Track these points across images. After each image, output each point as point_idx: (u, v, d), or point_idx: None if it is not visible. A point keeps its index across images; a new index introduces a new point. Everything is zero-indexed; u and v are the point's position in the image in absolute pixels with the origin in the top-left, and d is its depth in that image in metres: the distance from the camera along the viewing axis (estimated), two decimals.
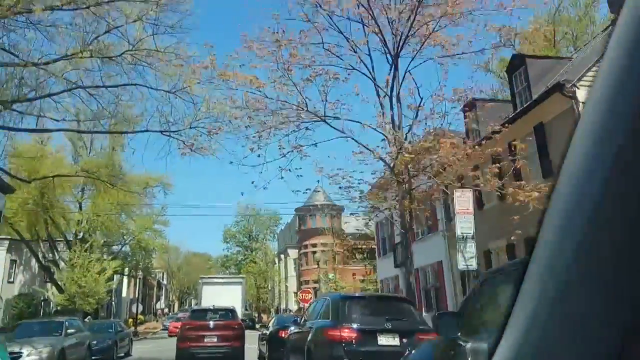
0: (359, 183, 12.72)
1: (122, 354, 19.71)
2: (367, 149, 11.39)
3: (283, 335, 12.22)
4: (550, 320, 0.68)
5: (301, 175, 11.73)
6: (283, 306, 57.19)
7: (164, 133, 14.15)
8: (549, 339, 0.68)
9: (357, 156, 11.40)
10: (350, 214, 15.84)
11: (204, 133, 13.70)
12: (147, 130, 14.66)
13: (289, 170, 11.95)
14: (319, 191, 53.22)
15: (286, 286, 54.32)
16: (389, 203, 12.67)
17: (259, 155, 12.00)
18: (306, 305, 28.01)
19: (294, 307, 55.97)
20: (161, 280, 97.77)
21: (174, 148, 14.37)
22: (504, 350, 0.80)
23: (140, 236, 35.93)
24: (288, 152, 11.71)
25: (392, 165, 11.30)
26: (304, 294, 27.45)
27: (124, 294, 55.44)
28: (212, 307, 16.02)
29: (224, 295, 26.18)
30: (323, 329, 7.56)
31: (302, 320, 9.86)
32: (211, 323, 14.22)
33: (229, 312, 15.31)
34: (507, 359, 0.78)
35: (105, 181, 21.66)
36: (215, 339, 13.68)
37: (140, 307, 49.64)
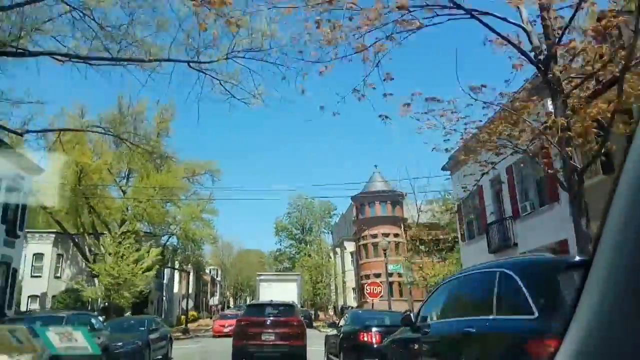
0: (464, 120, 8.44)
1: (159, 357, 16.32)
2: (508, 41, 7.00)
3: (368, 339, 9.35)
4: (615, 315, 0.72)
5: (390, 94, 7.25)
6: (341, 302, 53.22)
7: (191, 65, 10.46)
8: (613, 332, 0.72)
9: (496, 45, 7.03)
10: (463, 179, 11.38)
11: (245, 65, 9.81)
12: (169, 60, 10.99)
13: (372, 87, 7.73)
14: (376, 180, 49.11)
15: (344, 281, 50.27)
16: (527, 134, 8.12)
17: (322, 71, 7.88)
18: (374, 299, 23.88)
19: (353, 303, 51.86)
20: (215, 277, 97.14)
21: (207, 89, 10.63)
22: (571, 340, 0.84)
23: (187, 226, 33.00)
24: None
25: (543, 64, 6.84)
26: (372, 287, 23.28)
27: (175, 290, 53.33)
28: (269, 302, 14.83)
29: (280, 291, 25.71)
30: None
31: (417, 317, 5.68)
32: (269, 319, 13.14)
33: (288, 308, 14.11)
34: (574, 351, 0.82)
35: (126, 140, 18.42)
36: (273, 337, 12.63)
37: (191, 303, 47.35)
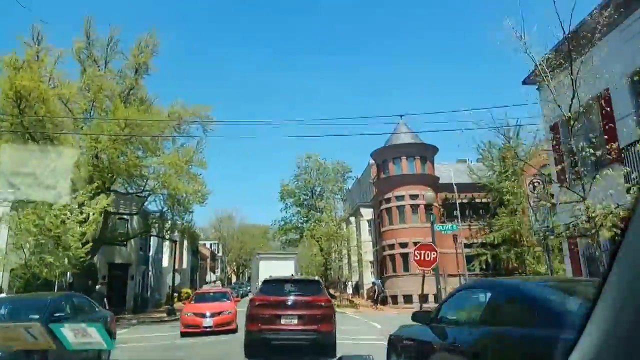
0: None
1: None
2: None
3: None
4: (629, 327, 0.74)
5: None
6: (355, 278, 46.06)
7: None
8: (630, 339, 0.74)
9: None
10: None
11: None
12: None
13: None
14: (402, 131, 41.17)
15: (359, 253, 42.92)
16: None
17: None
18: (427, 269, 16.51)
19: (370, 279, 44.70)
20: (216, 252, 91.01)
21: None
22: (585, 343, 0.87)
23: (168, 179, 25.51)
24: None
25: None
26: (424, 252, 15.79)
27: (165, 264, 46.26)
28: (290, 277, 13.60)
29: (278, 270, 24.32)
30: None
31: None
32: (290, 298, 10.77)
33: (314, 284, 11.64)
34: (588, 354, 0.84)
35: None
36: (295, 320, 10.33)
37: (178, 278, 40.35)
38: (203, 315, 15.56)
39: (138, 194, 28.75)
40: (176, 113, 30.77)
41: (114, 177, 25.44)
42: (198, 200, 28.21)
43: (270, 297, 10.90)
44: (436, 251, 16.21)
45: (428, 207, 19.85)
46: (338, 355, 9.52)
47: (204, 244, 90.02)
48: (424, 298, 33.58)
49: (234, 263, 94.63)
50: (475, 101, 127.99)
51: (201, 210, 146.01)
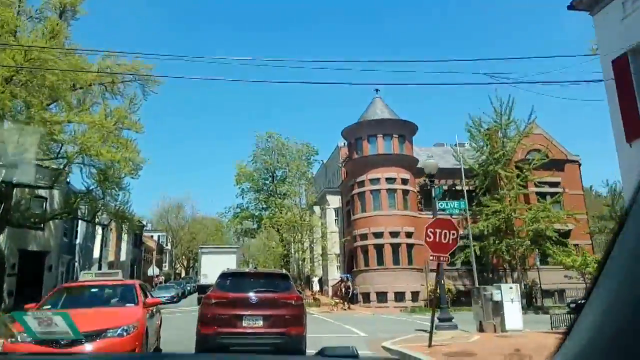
0: None
1: None
2: None
3: None
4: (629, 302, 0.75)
5: None
6: (319, 274, 41.10)
7: None
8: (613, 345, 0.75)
9: None
10: None
11: None
12: None
13: None
14: (378, 107, 36.40)
15: (325, 245, 37.95)
16: None
17: None
18: (443, 256, 11.59)
19: (336, 273, 39.82)
20: (164, 245, 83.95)
21: None
22: (569, 345, 0.89)
23: (87, 141, 19.50)
24: None
25: None
26: (441, 229, 10.80)
27: (95, 254, 39.55)
28: (254, 269, 12.08)
29: (219, 264, 21.82)
30: None
31: None
32: (254, 296, 9.13)
33: (281, 279, 9.99)
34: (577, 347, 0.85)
35: None
36: (260, 322, 8.87)
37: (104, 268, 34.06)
38: (56, 343, 6.36)
39: (44, 164, 22.31)
40: (108, 68, 24.76)
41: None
42: (129, 171, 22.27)
43: (230, 293, 9.32)
44: (456, 230, 11.32)
45: (430, 177, 14.97)
46: None
47: (151, 236, 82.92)
48: (427, 298, 28.77)
49: (183, 257, 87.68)
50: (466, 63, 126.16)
51: (148, 199, 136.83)
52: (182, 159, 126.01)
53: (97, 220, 31.73)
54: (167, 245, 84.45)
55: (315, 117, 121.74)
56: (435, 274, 31.28)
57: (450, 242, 11.28)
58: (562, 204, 32.11)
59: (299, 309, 9.22)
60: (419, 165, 33.57)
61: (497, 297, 14.71)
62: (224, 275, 10.08)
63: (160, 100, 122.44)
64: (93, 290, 7.90)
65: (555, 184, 32.90)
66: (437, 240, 11.16)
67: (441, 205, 15.36)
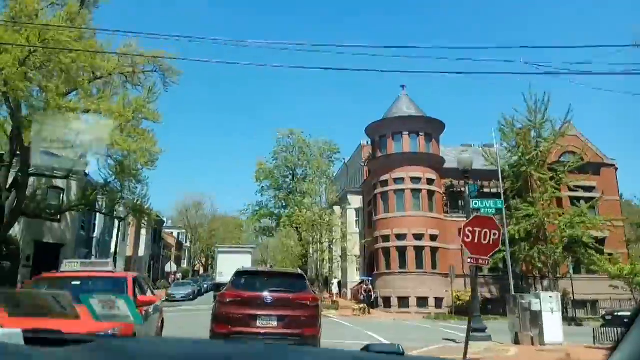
0: None
1: None
2: None
3: None
4: None
5: None
6: (338, 276, 39.95)
7: None
8: None
9: None
10: None
11: None
12: None
13: None
14: (403, 104, 35.09)
15: (345, 246, 36.79)
16: None
17: None
18: (483, 259, 10.38)
19: (355, 277, 38.65)
20: (184, 242, 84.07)
21: None
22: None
23: (103, 129, 18.82)
24: None
25: None
26: (481, 228, 9.58)
27: (112, 249, 39.18)
28: (269, 269, 12.08)
29: (236, 263, 22.23)
30: None
31: None
32: (269, 295, 8.92)
33: (297, 279, 9.72)
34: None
35: None
36: (274, 322, 8.67)
37: (121, 265, 33.71)
38: None
39: (60, 154, 21.72)
40: (128, 56, 24.16)
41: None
42: (145, 162, 21.56)
43: (245, 292, 9.18)
44: (499, 229, 10.11)
45: (464, 173, 13.74)
46: None
47: (171, 233, 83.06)
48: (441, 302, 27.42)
49: (202, 254, 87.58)
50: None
51: (169, 196, 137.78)
52: (203, 155, 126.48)
53: (115, 213, 31.33)
54: (186, 242, 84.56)
55: (339, 112, 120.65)
56: (462, 280, 29.99)
57: (492, 242, 10.04)
58: (597, 209, 30.32)
59: (314, 310, 9.06)
60: (448, 164, 32.25)
61: (535, 307, 13.40)
62: (239, 274, 9.90)
63: (180, 95, 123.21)
64: (74, 283, 6.55)
65: (590, 189, 31.16)
66: (477, 240, 9.95)
67: (475, 204, 14.01)
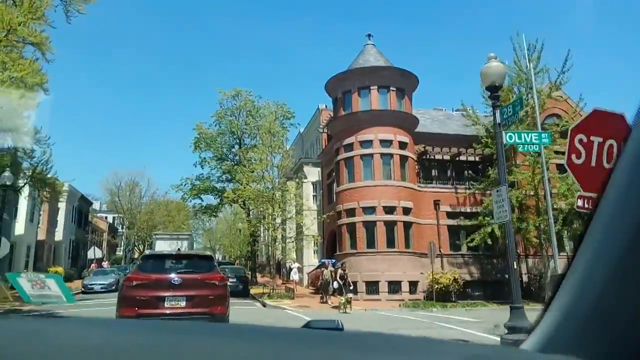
0: None
1: None
2: None
3: None
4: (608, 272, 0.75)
5: None
6: (292, 259, 34.69)
7: None
8: (586, 325, 0.76)
9: None
10: None
11: None
12: None
13: None
14: (370, 54, 29.69)
15: (299, 224, 31.52)
16: None
17: None
18: (589, 195, 5.60)
19: (313, 260, 33.60)
20: (119, 228, 76.14)
21: None
22: (543, 326, 0.88)
23: None
24: None
25: None
26: (602, 135, 4.68)
27: (20, 230, 32.05)
28: (176, 251, 11.13)
29: (173, 249, 21.78)
30: None
31: None
32: (177, 277, 8.94)
33: (204, 260, 9.92)
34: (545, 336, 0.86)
35: None
36: (183, 302, 8.68)
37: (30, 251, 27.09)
38: None
39: None
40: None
41: None
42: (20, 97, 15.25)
43: (152, 275, 9.02)
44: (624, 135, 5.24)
45: (493, 90, 8.71)
46: None
47: (105, 217, 74.92)
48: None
49: (140, 241, 79.86)
50: None
51: (100, 176, 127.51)
52: (140, 122, 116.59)
53: (4, 182, 24.39)
54: (123, 228, 76.68)
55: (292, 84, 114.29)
56: (438, 260, 25.53)
57: (607, 165, 5.10)
58: None
59: (223, 289, 9.24)
60: (420, 127, 27.52)
61: None
62: (145, 257, 10.24)
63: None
64: None
65: None
66: (590, 162, 4.92)
67: (510, 137, 9.11)
